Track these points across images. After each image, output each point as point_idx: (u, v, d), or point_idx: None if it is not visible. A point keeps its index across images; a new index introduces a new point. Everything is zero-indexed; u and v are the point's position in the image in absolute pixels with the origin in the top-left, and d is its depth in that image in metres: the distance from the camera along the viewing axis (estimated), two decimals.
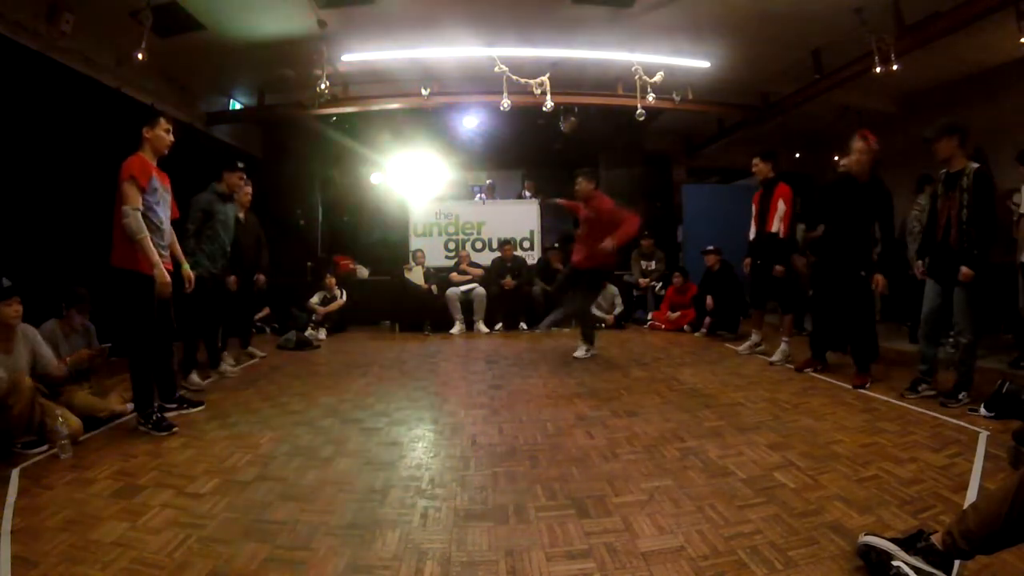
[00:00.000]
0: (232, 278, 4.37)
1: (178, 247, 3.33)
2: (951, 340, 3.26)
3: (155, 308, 2.96)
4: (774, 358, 4.50)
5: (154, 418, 2.93)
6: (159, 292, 2.92)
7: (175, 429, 2.91)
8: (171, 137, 3.10)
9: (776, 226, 4.40)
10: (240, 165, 4.24)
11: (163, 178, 3.12)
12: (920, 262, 3.43)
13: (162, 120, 3.06)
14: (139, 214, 2.85)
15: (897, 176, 3.89)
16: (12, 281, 2.88)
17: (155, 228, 2.98)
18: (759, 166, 4.56)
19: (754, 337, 4.92)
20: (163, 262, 3.01)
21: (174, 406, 3.27)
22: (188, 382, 3.89)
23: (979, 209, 3.06)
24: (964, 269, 3.05)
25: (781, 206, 4.37)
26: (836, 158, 5.01)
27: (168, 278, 2.96)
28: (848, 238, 3.76)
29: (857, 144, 3.64)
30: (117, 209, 2.85)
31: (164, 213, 3.10)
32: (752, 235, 4.68)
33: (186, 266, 3.38)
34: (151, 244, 2.87)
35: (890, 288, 3.66)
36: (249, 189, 4.79)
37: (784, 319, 4.62)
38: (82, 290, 3.34)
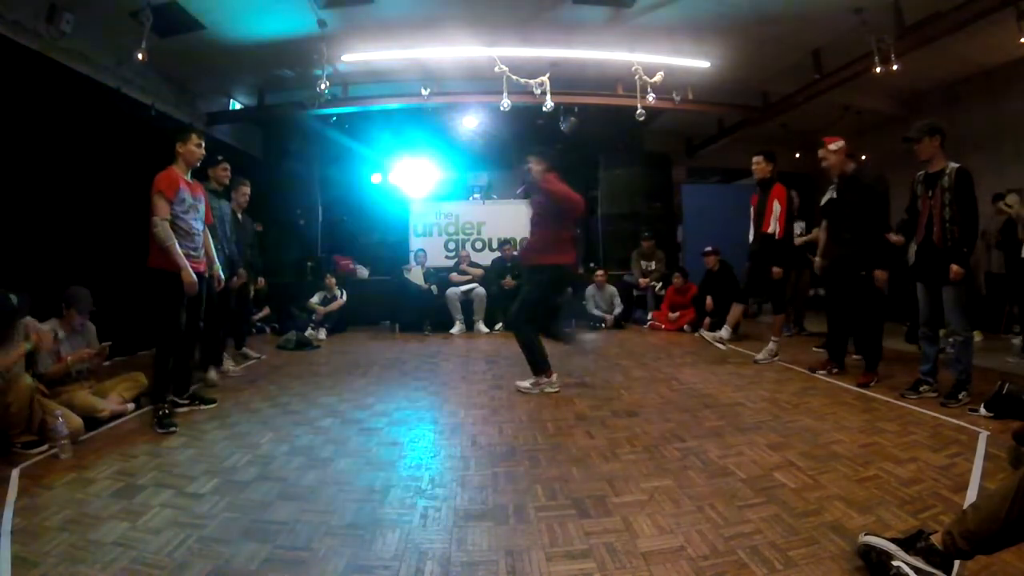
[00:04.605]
0: (235, 278, 4.35)
1: (212, 250, 3.51)
2: (950, 341, 3.26)
3: (185, 306, 3.17)
4: (759, 356, 4.54)
5: (160, 414, 2.99)
6: (186, 290, 3.10)
7: (174, 429, 2.93)
8: (202, 151, 3.28)
9: (772, 227, 4.39)
10: (219, 158, 4.20)
11: (195, 188, 3.31)
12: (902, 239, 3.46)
13: (193, 135, 3.25)
14: (167, 224, 3.05)
15: (898, 176, 3.90)
16: (16, 287, 2.88)
17: (185, 234, 3.17)
18: (761, 165, 4.49)
19: (772, 345, 4.61)
20: (196, 263, 3.22)
21: (187, 402, 3.34)
22: (206, 379, 4.06)
23: (961, 208, 3.08)
24: (954, 267, 3.06)
25: (777, 207, 4.37)
26: (849, 157, 5.00)
27: (194, 278, 3.12)
28: (844, 236, 3.82)
29: (820, 153, 3.88)
30: (150, 218, 3.07)
31: (195, 220, 3.27)
32: (751, 237, 4.67)
33: (217, 267, 3.56)
34: (178, 250, 3.07)
35: (890, 288, 3.67)
36: (247, 190, 4.76)
37: (775, 319, 4.68)
38: (82, 290, 3.34)
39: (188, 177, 3.26)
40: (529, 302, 3.73)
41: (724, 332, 4.73)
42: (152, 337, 3.34)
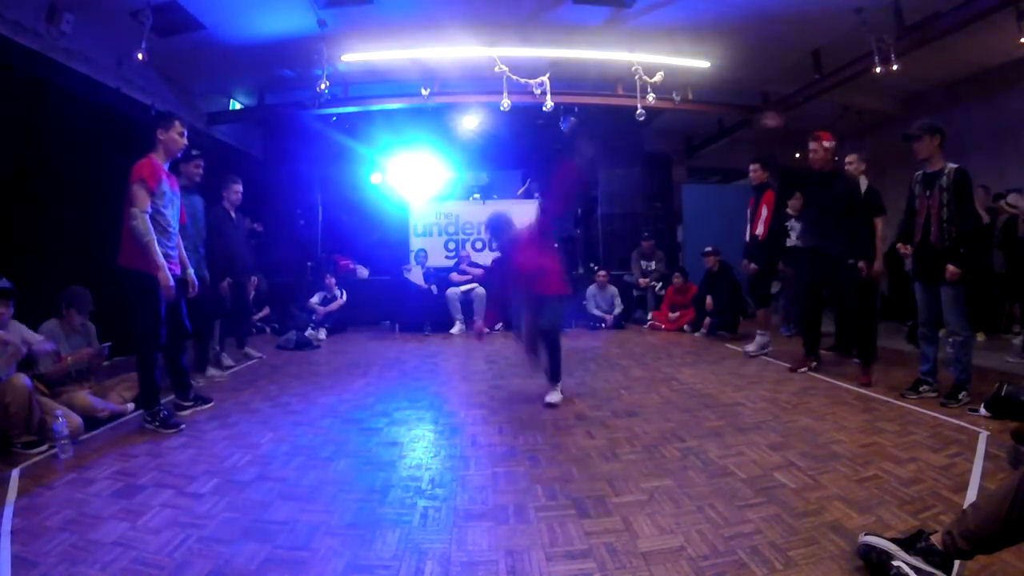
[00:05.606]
0: (226, 282, 4.30)
1: (183, 252, 3.28)
2: (949, 341, 3.26)
3: (164, 308, 2.97)
4: (749, 348, 4.76)
5: (161, 416, 2.95)
6: (164, 294, 2.93)
7: (183, 426, 2.94)
8: (184, 140, 3.10)
9: (759, 228, 4.63)
10: (194, 153, 3.95)
11: (172, 181, 3.13)
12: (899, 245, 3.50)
13: (177, 123, 3.06)
14: (147, 217, 2.84)
15: (898, 176, 3.91)
16: (11, 282, 2.87)
17: (163, 230, 2.99)
18: (758, 172, 4.70)
19: (759, 338, 4.86)
20: (171, 264, 3.01)
21: (190, 403, 3.31)
22: (205, 376, 4.09)
23: (959, 208, 3.09)
24: (951, 268, 3.06)
25: (764, 211, 4.59)
26: (835, 158, 5.01)
27: (171, 281, 2.94)
28: (829, 229, 3.87)
29: (812, 145, 3.96)
30: (126, 210, 2.84)
31: (173, 216, 3.10)
32: (747, 237, 4.88)
33: (190, 271, 3.32)
34: (157, 247, 2.86)
35: (890, 288, 3.68)
36: (239, 188, 4.62)
37: (759, 313, 4.89)
38: (82, 290, 3.34)
39: (167, 168, 3.07)
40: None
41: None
42: (132, 344, 3.11)
